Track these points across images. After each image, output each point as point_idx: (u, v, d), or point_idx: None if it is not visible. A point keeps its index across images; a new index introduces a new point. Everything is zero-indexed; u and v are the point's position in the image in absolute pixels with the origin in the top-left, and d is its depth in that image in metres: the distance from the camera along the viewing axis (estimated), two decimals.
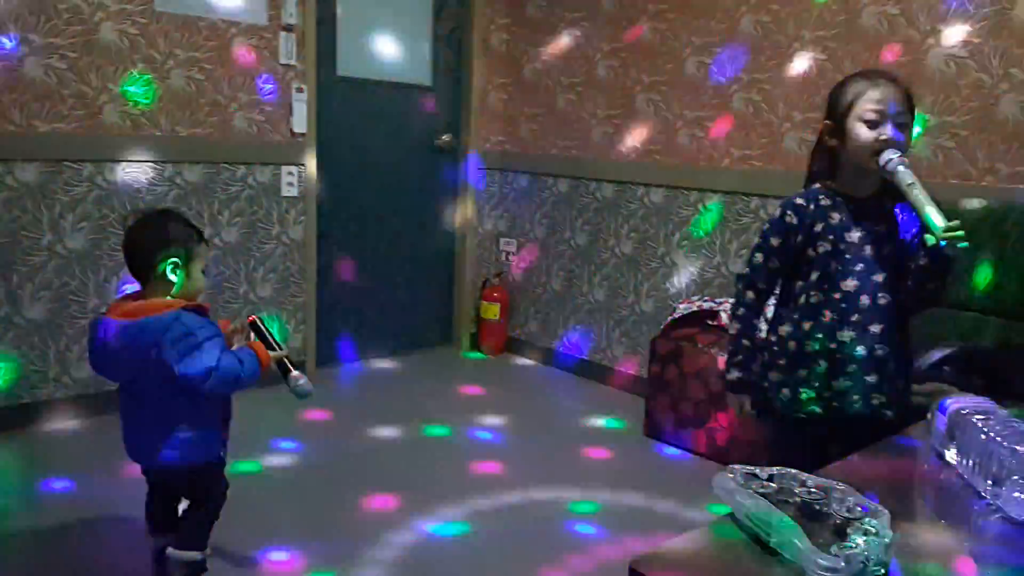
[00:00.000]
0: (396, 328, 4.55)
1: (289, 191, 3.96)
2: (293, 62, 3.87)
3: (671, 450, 3.45)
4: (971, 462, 1.30)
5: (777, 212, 1.99)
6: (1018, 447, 1.21)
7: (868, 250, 1.89)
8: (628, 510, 2.90)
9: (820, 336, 1.90)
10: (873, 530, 1.02)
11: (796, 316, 1.95)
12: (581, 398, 4.10)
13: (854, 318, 1.89)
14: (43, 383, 3.40)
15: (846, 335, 1.89)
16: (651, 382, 3.56)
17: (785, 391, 1.95)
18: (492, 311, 4.72)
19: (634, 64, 4.05)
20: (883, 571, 0.98)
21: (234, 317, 2.20)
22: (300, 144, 3.96)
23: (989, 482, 1.24)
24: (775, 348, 1.98)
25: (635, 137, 4.08)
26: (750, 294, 2.01)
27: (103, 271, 3.50)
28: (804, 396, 1.93)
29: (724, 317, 3.48)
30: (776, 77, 3.52)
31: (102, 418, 3.41)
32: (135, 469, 2.18)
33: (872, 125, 1.84)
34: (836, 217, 1.92)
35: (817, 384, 1.91)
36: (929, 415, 1.47)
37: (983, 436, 1.28)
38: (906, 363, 1.98)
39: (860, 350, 1.88)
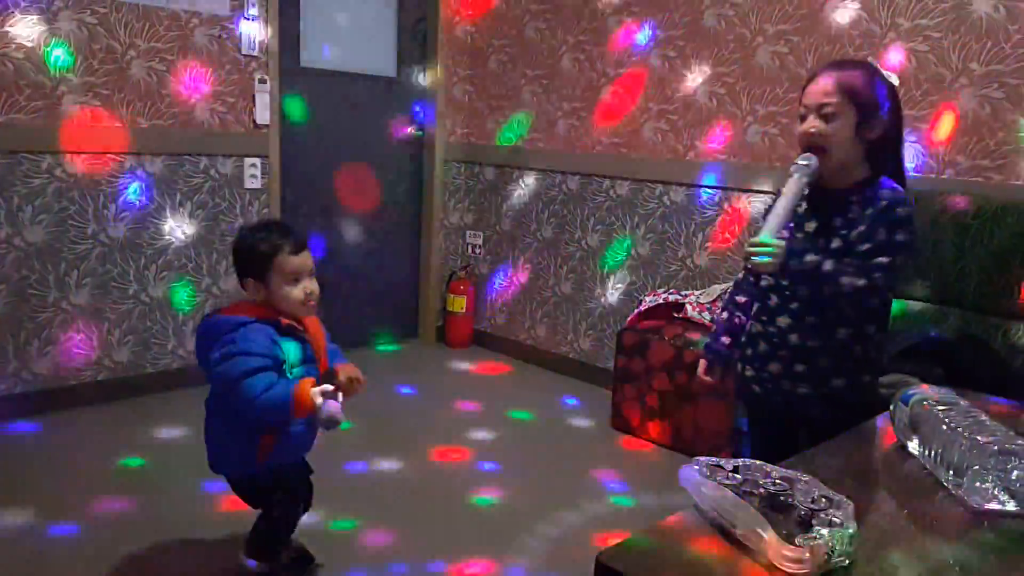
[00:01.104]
0: (361, 321, 4.51)
1: (252, 183, 3.90)
2: (255, 53, 3.81)
3: (637, 442, 3.46)
4: (933, 452, 1.32)
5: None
6: (979, 437, 1.22)
7: (820, 242, 1.89)
8: (594, 502, 2.91)
9: (764, 319, 1.99)
10: (837, 521, 1.02)
11: (756, 298, 2.05)
12: (548, 390, 4.10)
13: (793, 305, 1.93)
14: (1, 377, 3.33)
15: (784, 321, 1.94)
16: (617, 374, 3.57)
17: (740, 368, 2.09)
18: (459, 304, 4.70)
19: (599, 57, 4.05)
20: (847, 562, 0.99)
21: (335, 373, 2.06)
22: (263, 135, 3.90)
23: (951, 472, 1.26)
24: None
25: (600, 129, 4.09)
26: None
27: (63, 264, 3.43)
28: (748, 374, 2.04)
29: (690, 309, 3.50)
30: (740, 71, 3.54)
31: (61, 415, 3.36)
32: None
33: (802, 119, 1.90)
34: (802, 207, 1.94)
35: (756, 364, 2.01)
36: (892, 406, 1.48)
37: (944, 427, 1.30)
38: (843, 358, 1.92)
39: (793, 338, 1.93)
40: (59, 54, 3.28)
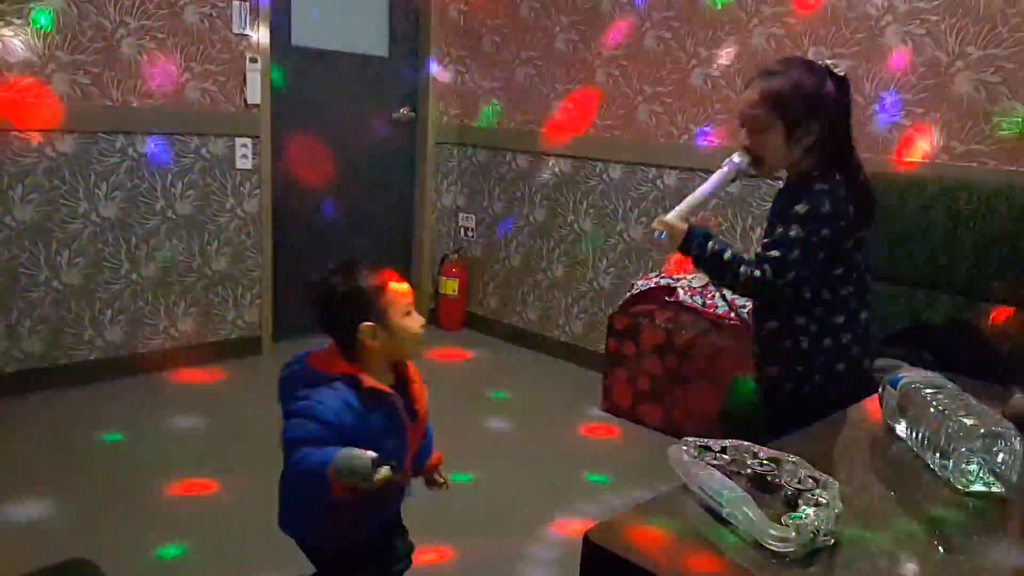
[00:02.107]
0: None
1: (243, 163, 3.88)
2: (247, 31, 3.78)
3: (628, 424, 3.47)
4: (920, 435, 1.32)
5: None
6: (966, 420, 1.23)
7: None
8: (582, 483, 2.92)
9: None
10: (823, 501, 1.03)
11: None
12: (539, 373, 4.10)
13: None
14: None
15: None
16: (608, 357, 3.58)
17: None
18: (451, 287, 4.70)
19: (593, 37, 4.03)
20: (832, 541, 0.99)
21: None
22: (254, 115, 3.88)
23: (937, 455, 1.26)
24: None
25: (594, 112, 4.07)
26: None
27: (54, 243, 3.41)
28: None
29: (681, 293, 3.50)
30: (736, 53, 3.52)
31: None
32: None
33: (739, 128, 1.94)
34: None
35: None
36: (880, 389, 1.48)
37: (932, 409, 1.30)
38: (772, 348, 1.98)
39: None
40: (44, 21, 3.25)
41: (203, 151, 3.76)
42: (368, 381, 1.64)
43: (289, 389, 1.67)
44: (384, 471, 1.50)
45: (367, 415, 1.62)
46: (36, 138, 3.30)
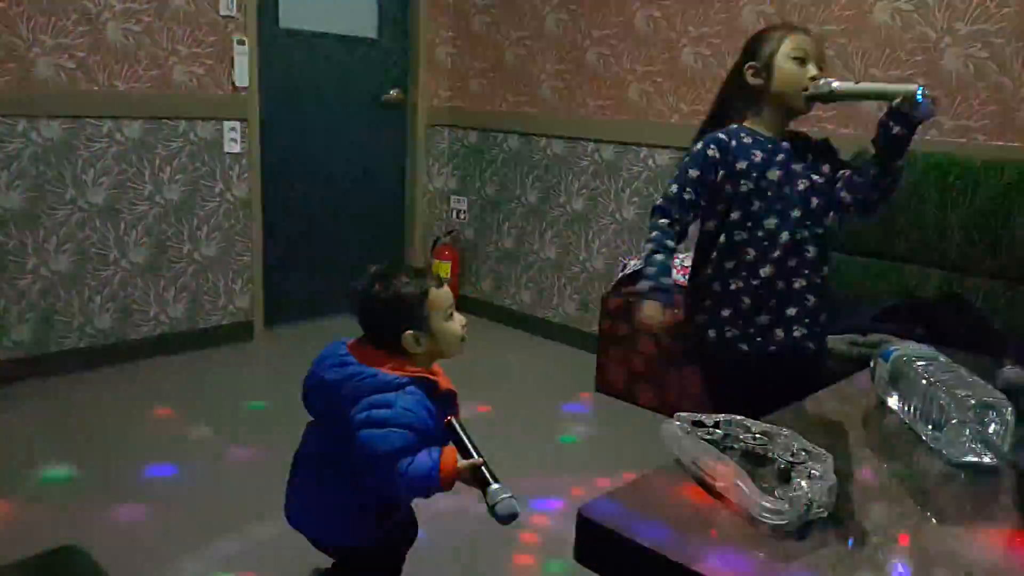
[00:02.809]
0: (344, 287, 4.48)
1: (232, 147, 3.85)
2: (234, 13, 3.75)
3: (622, 404, 3.48)
4: (912, 407, 1.33)
5: (699, 145, 2.02)
6: (957, 391, 1.23)
7: (786, 188, 1.96)
8: (577, 462, 2.93)
9: (744, 274, 1.97)
10: (817, 474, 1.03)
11: (717, 257, 2.01)
12: (533, 354, 4.10)
13: (775, 254, 1.96)
14: None
15: (767, 271, 1.96)
16: (602, 338, 3.58)
17: (711, 332, 2.02)
18: (443, 269, 4.69)
19: (584, 17, 4.00)
20: (826, 513, 0.99)
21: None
22: (243, 98, 3.85)
23: (930, 427, 1.26)
24: (698, 291, 2.06)
25: (585, 92, 4.05)
26: (663, 221, 2.02)
27: (42, 230, 3.39)
28: (730, 335, 2.00)
29: (675, 272, 3.50)
30: (726, 32, 3.51)
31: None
32: None
33: (800, 63, 1.94)
34: (758, 155, 1.96)
35: (741, 321, 1.99)
36: (872, 362, 1.49)
37: (924, 382, 1.30)
38: (825, 296, 2.03)
39: (780, 284, 1.97)
40: (34, 15, 3.22)
41: (191, 135, 3.73)
42: (444, 384, 1.70)
43: (344, 393, 1.63)
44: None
45: (440, 414, 1.66)
46: (21, 124, 3.27)
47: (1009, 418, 1.19)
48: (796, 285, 1.98)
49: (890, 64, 3.06)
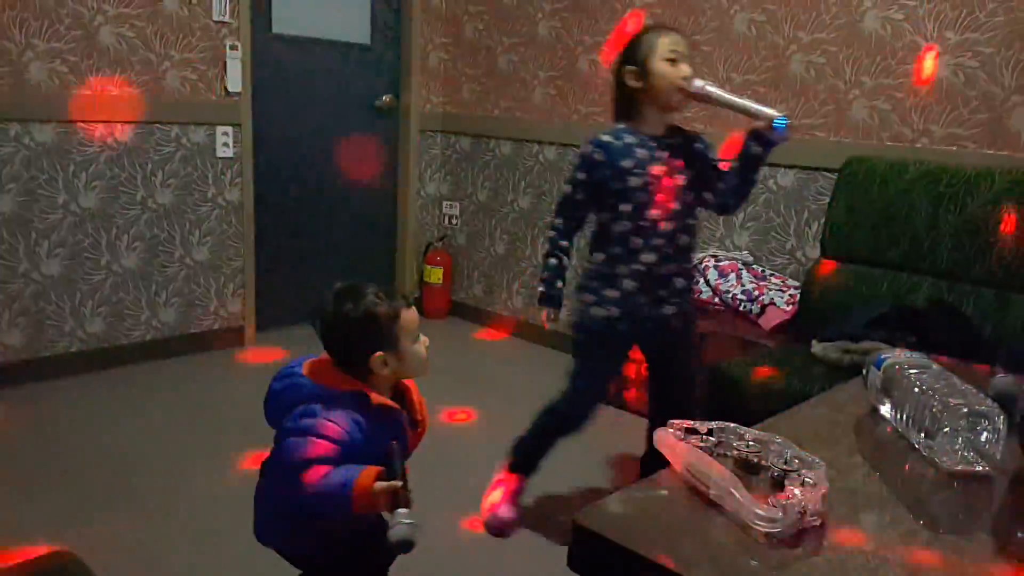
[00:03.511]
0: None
1: (224, 152, 3.85)
2: (226, 19, 3.74)
3: (612, 409, 3.48)
4: (905, 415, 1.33)
5: (586, 149, 2.26)
6: (950, 400, 1.24)
7: (667, 183, 2.22)
8: (569, 469, 2.93)
9: (630, 260, 2.24)
10: (810, 481, 1.03)
11: (605, 243, 2.28)
12: (525, 360, 4.10)
13: (657, 242, 2.23)
14: None
15: (650, 257, 2.24)
16: None
17: (597, 310, 2.29)
18: (435, 275, 4.69)
19: (576, 24, 4.02)
20: (819, 521, 1.00)
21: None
22: (235, 103, 3.84)
23: (922, 434, 1.27)
24: (589, 272, 2.33)
25: (577, 98, 4.06)
26: (559, 221, 2.34)
27: (34, 234, 3.37)
28: (615, 314, 2.27)
29: None
30: (717, 38, 3.52)
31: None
32: None
33: (674, 63, 2.17)
34: (641, 153, 2.21)
35: (625, 302, 2.26)
36: (865, 370, 1.49)
37: (916, 389, 1.31)
38: (692, 279, 2.43)
39: (660, 270, 2.26)
40: (27, 19, 3.21)
41: (183, 140, 3.72)
42: (377, 399, 1.63)
43: (284, 403, 1.63)
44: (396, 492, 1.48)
45: (374, 431, 1.61)
46: (14, 128, 3.26)
47: (1001, 426, 1.20)
48: (672, 270, 2.28)
49: (880, 73, 3.08)
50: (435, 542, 2.38)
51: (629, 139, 2.22)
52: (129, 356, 3.69)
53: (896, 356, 1.44)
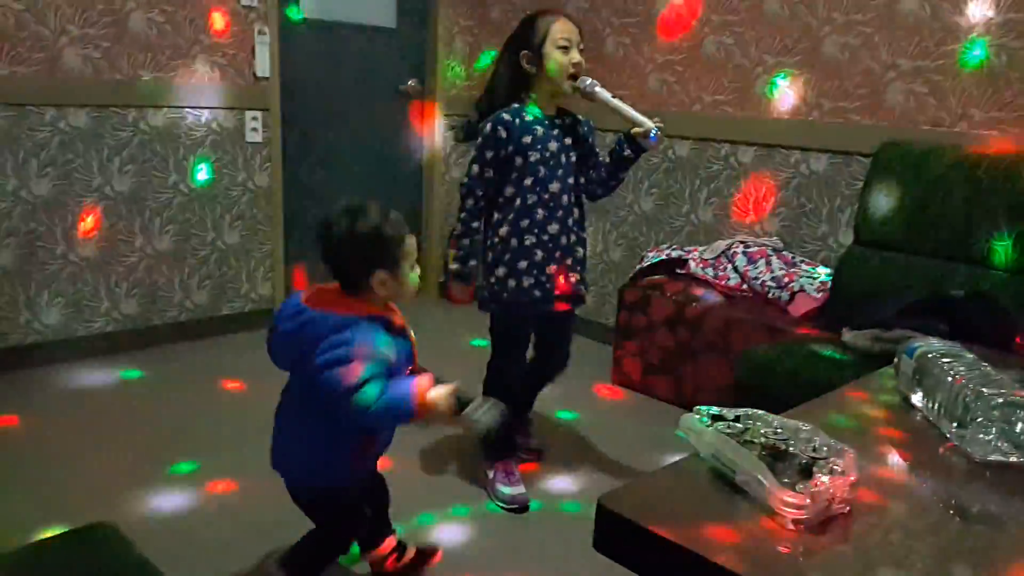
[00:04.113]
0: None
1: (253, 136, 3.87)
2: (255, 4, 3.75)
3: (638, 396, 3.47)
4: (936, 404, 1.31)
5: (488, 128, 2.34)
6: (983, 389, 1.21)
7: (562, 157, 2.40)
8: (594, 454, 2.93)
9: (536, 231, 2.37)
10: (838, 469, 1.02)
11: (513, 217, 2.38)
12: None
13: (559, 214, 2.40)
14: (13, 329, 3.34)
15: (554, 228, 2.39)
16: (619, 330, 3.57)
17: (511, 282, 2.41)
18: None
19: (605, 5, 3.98)
20: (847, 509, 0.99)
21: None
22: (264, 88, 3.86)
23: (954, 424, 1.25)
24: (499, 247, 2.41)
25: (604, 81, 4.02)
26: (470, 201, 2.41)
27: (70, 217, 3.42)
28: (526, 283, 2.40)
29: (693, 265, 3.49)
30: (749, 19, 3.47)
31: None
32: None
33: (565, 51, 2.34)
34: (539, 131, 2.36)
35: (535, 272, 2.40)
36: (896, 358, 1.47)
37: (949, 379, 1.29)
38: (586, 248, 2.56)
39: (563, 239, 2.41)
40: (60, 6, 3.24)
41: (213, 124, 3.75)
42: (398, 320, 1.77)
43: (306, 340, 1.68)
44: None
45: (398, 352, 1.73)
46: (49, 113, 3.30)
47: None
48: (572, 239, 2.44)
49: (917, 55, 3.02)
50: (462, 522, 2.41)
51: (527, 117, 2.36)
52: (163, 336, 3.74)
53: (929, 344, 1.42)
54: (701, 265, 3.47)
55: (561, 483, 2.71)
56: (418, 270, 1.82)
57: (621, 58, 3.95)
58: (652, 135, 2.34)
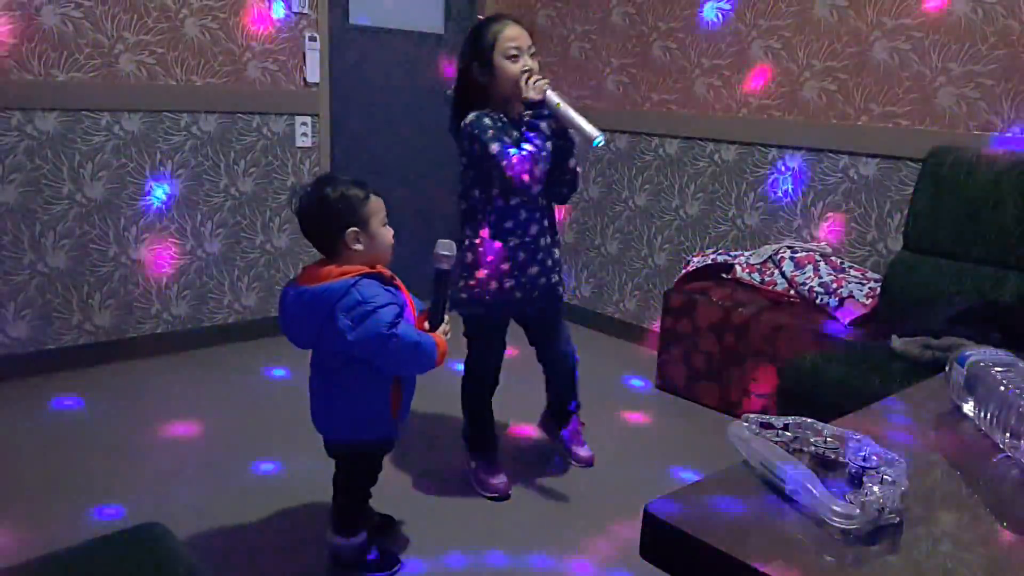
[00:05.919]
0: (412, 278, 4.53)
1: (303, 141, 3.94)
2: (306, 10, 3.82)
3: (683, 402, 3.46)
4: (989, 414, 1.29)
5: (472, 129, 2.30)
6: None
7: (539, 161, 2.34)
8: (639, 461, 2.92)
9: (519, 232, 2.39)
10: (889, 479, 1.01)
11: (496, 219, 2.38)
12: (592, 350, 4.10)
13: (537, 215, 2.42)
14: (66, 330, 3.44)
15: (535, 229, 2.42)
16: (664, 336, 3.56)
17: (493, 283, 2.40)
18: None
19: (650, 10, 3.98)
20: (898, 519, 0.98)
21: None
22: (313, 94, 3.92)
23: (1007, 434, 1.23)
24: (480, 249, 2.39)
25: (650, 86, 4.03)
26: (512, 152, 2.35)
27: (122, 220, 3.51)
28: (507, 285, 2.41)
29: (739, 270, 3.47)
30: (797, 24, 3.45)
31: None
32: None
33: (514, 59, 2.29)
34: (515, 133, 2.34)
35: (518, 272, 2.41)
36: (947, 367, 1.46)
37: (1002, 388, 1.27)
38: (561, 249, 2.59)
39: (542, 240, 2.44)
40: (118, 13, 3.33)
41: (264, 129, 3.82)
42: (385, 271, 1.97)
43: (320, 313, 1.87)
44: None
45: (396, 297, 1.94)
46: (104, 118, 3.39)
47: None
48: (549, 241, 2.48)
49: (969, 59, 2.97)
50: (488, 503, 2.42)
51: (501, 120, 2.34)
52: (212, 338, 3.81)
53: (981, 353, 1.40)
54: (747, 270, 3.44)
55: (605, 489, 2.71)
56: (390, 230, 2.00)
57: (668, 62, 3.94)
58: (594, 143, 2.29)
